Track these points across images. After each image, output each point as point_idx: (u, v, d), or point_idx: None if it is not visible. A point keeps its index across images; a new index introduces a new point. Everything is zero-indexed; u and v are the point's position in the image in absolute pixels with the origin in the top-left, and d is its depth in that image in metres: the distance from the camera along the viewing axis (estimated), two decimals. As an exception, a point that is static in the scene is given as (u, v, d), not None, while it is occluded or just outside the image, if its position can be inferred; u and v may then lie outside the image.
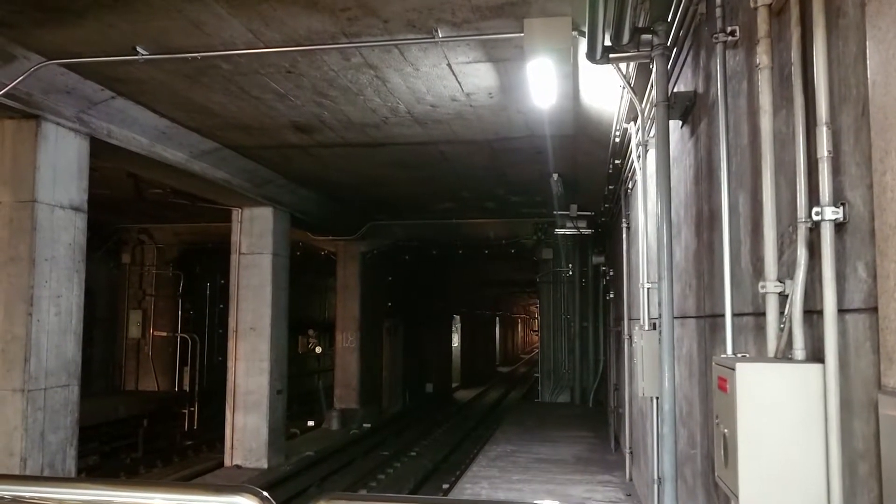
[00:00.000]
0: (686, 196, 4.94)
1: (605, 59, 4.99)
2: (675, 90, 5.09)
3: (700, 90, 4.38)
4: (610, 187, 10.63)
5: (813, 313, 2.39)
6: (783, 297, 2.61)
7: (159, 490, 1.57)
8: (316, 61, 7.04)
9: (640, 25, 4.71)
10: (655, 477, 5.82)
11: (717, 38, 3.47)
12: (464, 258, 22.76)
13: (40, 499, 1.56)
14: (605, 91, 7.25)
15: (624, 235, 9.17)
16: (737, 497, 2.43)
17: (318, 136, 9.78)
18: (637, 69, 5.90)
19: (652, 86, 4.97)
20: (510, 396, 29.59)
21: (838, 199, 2.19)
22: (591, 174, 11.28)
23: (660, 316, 4.64)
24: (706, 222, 4.20)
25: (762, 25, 2.78)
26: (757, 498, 2.39)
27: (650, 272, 6.28)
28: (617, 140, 8.16)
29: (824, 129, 2.22)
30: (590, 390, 18.31)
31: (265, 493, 1.48)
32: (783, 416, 2.34)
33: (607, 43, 4.83)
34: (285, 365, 13.33)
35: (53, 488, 1.60)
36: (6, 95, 6.76)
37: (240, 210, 12.82)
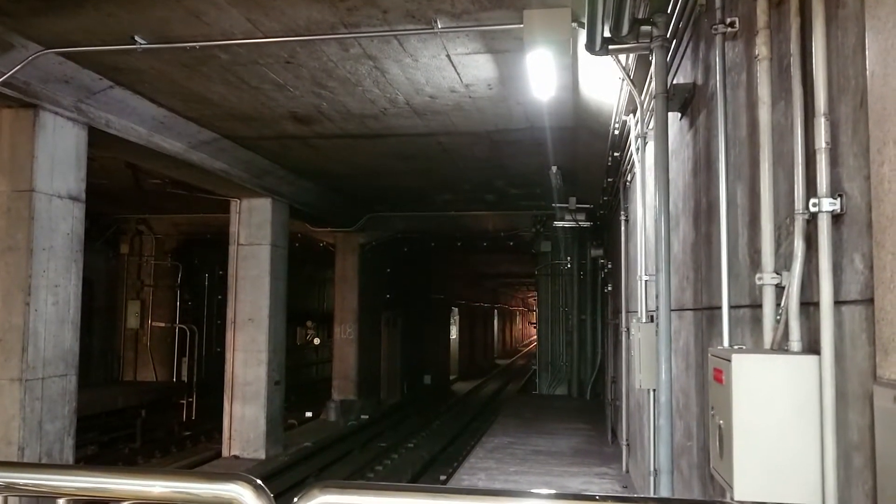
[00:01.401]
0: (684, 188, 4.93)
1: (604, 51, 4.97)
2: (674, 82, 5.08)
3: (699, 82, 4.37)
4: (609, 180, 10.60)
5: (809, 305, 2.39)
6: (780, 289, 2.61)
7: (154, 478, 1.56)
8: (315, 52, 7.02)
9: (640, 17, 4.69)
10: (652, 469, 5.83)
11: (716, 29, 3.46)
12: (463, 250, 22.78)
13: (34, 486, 1.56)
14: (605, 83, 7.22)
15: (622, 228, 9.17)
16: (731, 488, 2.44)
17: (317, 127, 9.76)
18: (636, 61, 5.87)
19: (651, 78, 4.95)
20: (508, 388, 29.63)
21: (836, 191, 2.19)
22: (590, 167, 11.26)
23: (657, 308, 4.64)
24: (704, 214, 4.20)
25: (761, 16, 2.77)
26: (751, 489, 2.39)
27: (648, 265, 6.29)
28: (616, 132, 8.14)
29: (822, 120, 2.22)
30: (587, 383, 18.35)
31: (259, 482, 1.48)
32: (778, 408, 2.34)
33: (607, 34, 4.81)
34: (283, 356, 13.34)
35: (47, 475, 1.60)
36: (4, 84, 6.73)
37: (238, 201, 12.81)
